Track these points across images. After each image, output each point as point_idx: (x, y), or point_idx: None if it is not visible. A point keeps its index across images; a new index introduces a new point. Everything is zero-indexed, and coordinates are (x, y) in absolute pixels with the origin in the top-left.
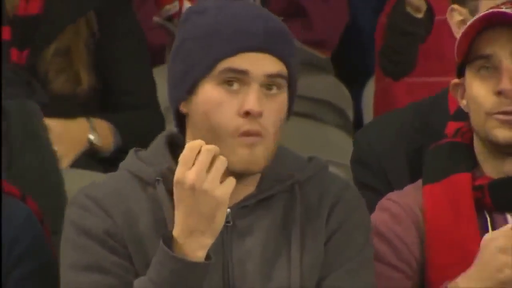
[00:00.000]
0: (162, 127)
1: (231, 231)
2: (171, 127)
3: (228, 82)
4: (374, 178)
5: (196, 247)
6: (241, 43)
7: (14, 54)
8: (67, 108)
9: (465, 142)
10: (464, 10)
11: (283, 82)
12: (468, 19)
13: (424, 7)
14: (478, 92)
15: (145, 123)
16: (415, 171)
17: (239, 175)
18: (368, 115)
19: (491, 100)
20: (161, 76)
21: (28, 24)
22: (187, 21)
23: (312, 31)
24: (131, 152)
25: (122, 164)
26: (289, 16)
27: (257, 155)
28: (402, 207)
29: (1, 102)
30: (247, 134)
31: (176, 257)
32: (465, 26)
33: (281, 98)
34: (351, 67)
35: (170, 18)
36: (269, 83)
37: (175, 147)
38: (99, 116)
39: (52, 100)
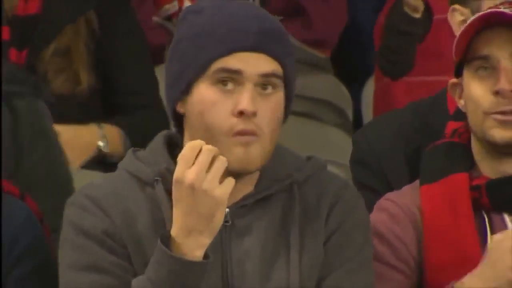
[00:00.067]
0: (167, 127)
1: (230, 231)
2: None
3: (223, 82)
4: (373, 178)
5: (194, 246)
6: (234, 43)
7: (13, 54)
8: (66, 108)
9: (462, 142)
10: (465, 10)
11: (278, 82)
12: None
13: (421, 7)
14: (476, 92)
15: (152, 124)
16: (414, 171)
17: (237, 175)
18: (367, 115)
19: (489, 100)
20: (160, 76)
21: (27, 24)
22: (184, 21)
23: (312, 30)
24: (129, 152)
25: (120, 164)
26: (289, 15)
27: (253, 154)
28: (400, 207)
29: (0, 102)
30: (241, 133)
31: (174, 257)
32: (464, 26)
33: (277, 97)
34: (350, 67)
35: (169, 18)
36: (263, 82)
37: (174, 147)
38: (108, 121)
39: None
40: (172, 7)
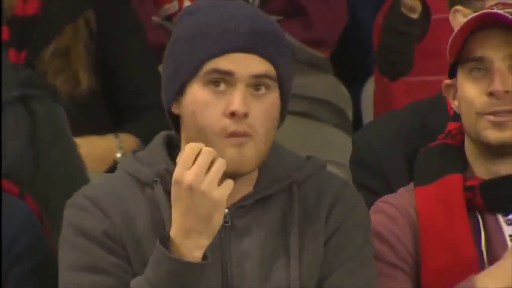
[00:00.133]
0: None
1: (229, 231)
2: None
3: (215, 83)
4: (373, 179)
5: (193, 247)
6: (226, 43)
7: (12, 55)
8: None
9: (456, 144)
10: (468, 11)
11: (271, 83)
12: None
13: (419, 7)
14: (470, 93)
15: (161, 124)
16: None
17: (233, 175)
18: (367, 115)
19: (483, 101)
20: None
21: (26, 24)
22: (180, 22)
23: (312, 30)
24: (129, 152)
25: (120, 165)
26: (289, 15)
27: (247, 154)
28: (396, 208)
29: (0, 102)
30: (234, 135)
31: (173, 258)
32: (458, 27)
33: (270, 98)
34: (350, 67)
35: (169, 18)
36: (256, 83)
37: (173, 147)
38: (124, 129)
39: None
40: (172, 7)
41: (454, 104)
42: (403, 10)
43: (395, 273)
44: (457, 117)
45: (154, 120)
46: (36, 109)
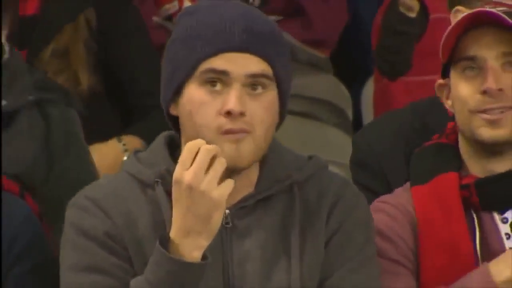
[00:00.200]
0: None
1: (230, 232)
2: None
3: (211, 83)
4: (373, 180)
5: (192, 247)
6: (221, 43)
7: None
8: None
9: (450, 143)
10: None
11: (268, 82)
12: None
13: (417, 6)
14: (463, 91)
15: (167, 125)
16: None
17: (235, 175)
18: (367, 115)
19: (476, 99)
20: None
21: (25, 24)
22: (178, 22)
23: (312, 30)
24: (131, 153)
25: (123, 165)
26: (289, 15)
27: (244, 150)
28: (396, 207)
29: (0, 103)
30: (230, 132)
31: (172, 258)
32: (450, 27)
33: (267, 97)
34: (350, 67)
35: (169, 18)
36: (252, 83)
37: (175, 147)
38: (128, 131)
39: None
40: (172, 7)
41: (448, 103)
42: (401, 9)
43: (397, 269)
44: None
45: (158, 120)
46: (50, 113)
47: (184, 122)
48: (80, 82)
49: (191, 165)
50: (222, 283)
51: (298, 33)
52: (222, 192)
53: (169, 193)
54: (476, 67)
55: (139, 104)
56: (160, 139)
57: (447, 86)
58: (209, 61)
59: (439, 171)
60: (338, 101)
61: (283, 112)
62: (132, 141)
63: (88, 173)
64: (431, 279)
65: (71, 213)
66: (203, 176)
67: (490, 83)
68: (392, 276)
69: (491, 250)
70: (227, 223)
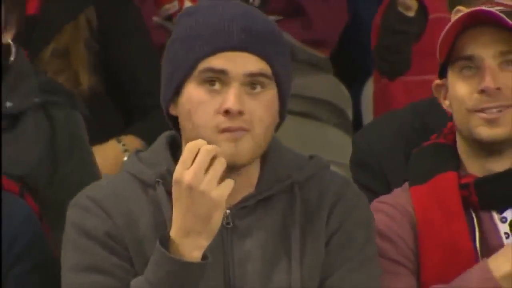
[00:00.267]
0: None
1: (231, 232)
2: None
3: (210, 82)
4: (373, 180)
5: (192, 247)
6: (219, 42)
7: None
8: None
9: (448, 143)
10: None
11: (267, 81)
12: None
13: (415, 5)
14: (460, 91)
15: (167, 125)
16: None
17: (235, 172)
18: (367, 115)
19: (474, 98)
20: None
21: (25, 25)
22: (178, 23)
23: (312, 30)
24: (133, 153)
25: (124, 165)
26: (289, 15)
27: (243, 148)
28: (395, 207)
29: (0, 104)
30: (228, 130)
31: (172, 258)
32: (447, 26)
33: (267, 96)
34: (350, 67)
35: (169, 18)
36: (251, 82)
37: (177, 148)
38: (128, 131)
39: None
40: (172, 7)
41: (445, 104)
42: (400, 8)
43: (398, 269)
44: None
45: (158, 120)
46: (55, 116)
47: (183, 121)
48: (80, 82)
49: (191, 165)
50: (223, 283)
51: (298, 33)
52: (222, 192)
53: (170, 193)
54: (473, 67)
55: (139, 104)
56: (162, 139)
57: (444, 86)
58: (208, 60)
59: (437, 171)
60: (338, 101)
61: (283, 112)
62: (132, 141)
63: (92, 176)
64: (432, 279)
65: (72, 213)
66: (203, 176)
67: (488, 82)
68: (392, 276)
69: (491, 249)
70: (227, 223)
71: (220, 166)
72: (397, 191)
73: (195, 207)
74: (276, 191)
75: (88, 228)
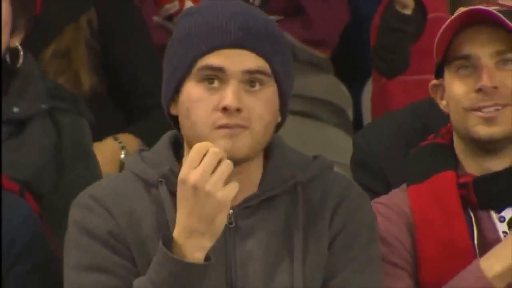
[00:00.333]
0: None
1: (233, 232)
2: None
3: (209, 80)
4: (374, 180)
5: (195, 248)
6: (217, 40)
7: None
8: None
9: (445, 143)
10: None
11: (266, 78)
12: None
13: (411, 4)
14: (457, 90)
15: (164, 125)
16: None
17: (236, 173)
18: (367, 115)
19: (471, 97)
20: None
21: None
22: (178, 23)
23: (312, 30)
24: (136, 152)
25: (127, 165)
26: (289, 15)
27: (240, 144)
28: (391, 208)
29: (0, 105)
30: (225, 126)
31: (175, 259)
32: (443, 26)
33: (266, 94)
34: (351, 67)
35: (170, 18)
36: (250, 79)
37: (180, 148)
38: (125, 130)
39: None
40: (172, 7)
41: (442, 104)
42: (397, 7)
43: (396, 271)
44: None
45: (157, 120)
46: (62, 122)
47: (182, 120)
48: (81, 82)
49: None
50: (225, 283)
51: (298, 33)
52: (227, 193)
53: (173, 193)
54: (470, 66)
55: (139, 104)
56: (164, 139)
57: (441, 86)
58: (206, 58)
59: (435, 171)
60: (339, 101)
61: (284, 111)
62: (129, 139)
63: (96, 181)
64: (430, 278)
65: (74, 212)
66: (209, 177)
67: (485, 81)
68: (390, 278)
69: (489, 249)
70: (230, 223)
71: (226, 168)
72: (394, 191)
73: (200, 207)
74: (279, 191)
75: (90, 227)
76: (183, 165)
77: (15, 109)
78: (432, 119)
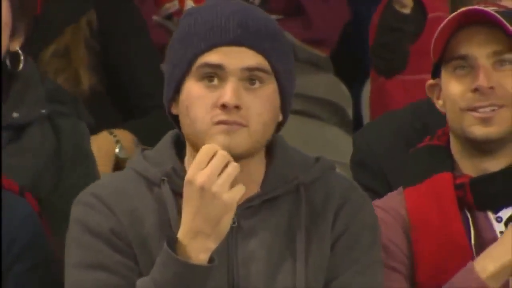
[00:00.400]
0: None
1: (236, 232)
2: None
3: (209, 78)
4: (374, 180)
5: (199, 249)
6: (215, 38)
7: None
8: None
9: (442, 144)
10: None
11: (265, 76)
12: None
13: (410, 3)
14: (454, 90)
15: (165, 126)
16: None
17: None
18: (367, 114)
19: (467, 97)
20: None
21: None
22: (180, 23)
23: (312, 30)
24: (138, 151)
25: (129, 163)
26: (289, 15)
27: (238, 141)
28: (387, 212)
29: (0, 106)
30: (223, 122)
31: (179, 260)
32: (440, 26)
33: (265, 91)
34: (350, 66)
35: (170, 17)
36: (250, 77)
37: (182, 147)
38: (118, 125)
39: None
40: (172, 6)
41: (439, 103)
42: (396, 6)
43: (393, 275)
44: None
45: (154, 119)
46: (61, 126)
47: (182, 118)
48: (81, 81)
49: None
50: (227, 283)
51: (298, 32)
52: (233, 195)
53: (175, 192)
54: (467, 66)
55: (139, 104)
56: (167, 138)
57: (438, 86)
58: (205, 56)
59: (432, 172)
60: (339, 100)
61: (286, 110)
62: (123, 134)
63: None
64: (428, 280)
65: (76, 210)
66: (216, 179)
67: (482, 81)
68: (387, 282)
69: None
70: (233, 223)
71: (233, 170)
72: (391, 194)
73: (206, 208)
74: (281, 192)
75: (92, 225)
76: (189, 166)
77: (15, 115)
78: (432, 119)
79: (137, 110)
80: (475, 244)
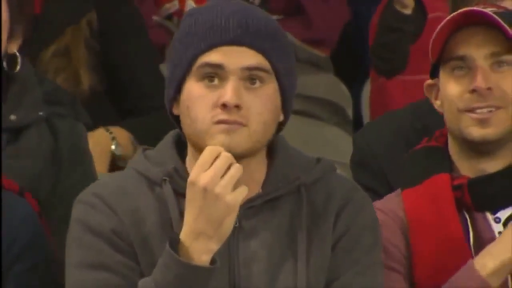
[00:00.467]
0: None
1: (237, 233)
2: None
3: (209, 78)
4: (374, 180)
5: (202, 251)
6: (215, 38)
7: None
8: None
9: (440, 146)
10: None
11: (266, 75)
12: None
13: (411, 3)
14: (452, 91)
15: (162, 125)
16: None
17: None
18: (367, 114)
19: (465, 98)
20: None
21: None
22: (180, 24)
23: (312, 30)
24: (139, 151)
25: (130, 163)
26: (289, 15)
27: (237, 140)
28: (386, 213)
29: (0, 107)
30: (223, 122)
31: (182, 261)
32: (439, 26)
33: (266, 91)
34: (351, 66)
35: (169, 17)
36: (250, 76)
37: (183, 147)
38: (116, 123)
39: None
40: (172, 6)
41: (437, 104)
42: (396, 6)
43: (392, 275)
44: None
45: (152, 119)
46: (59, 128)
47: (183, 118)
48: (80, 81)
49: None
50: (228, 284)
51: (298, 32)
52: (236, 197)
53: (176, 192)
54: (465, 67)
55: (138, 105)
56: (168, 138)
57: (436, 86)
58: (205, 55)
59: (430, 173)
60: (338, 100)
61: (287, 110)
62: (120, 132)
63: None
64: (426, 280)
65: (77, 210)
66: (219, 181)
67: (479, 82)
68: (385, 282)
69: None
70: (234, 223)
71: (236, 172)
72: (389, 195)
73: (209, 209)
74: (283, 192)
75: (93, 224)
76: (191, 166)
77: (12, 117)
78: (432, 119)
79: (136, 110)
80: (474, 245)
